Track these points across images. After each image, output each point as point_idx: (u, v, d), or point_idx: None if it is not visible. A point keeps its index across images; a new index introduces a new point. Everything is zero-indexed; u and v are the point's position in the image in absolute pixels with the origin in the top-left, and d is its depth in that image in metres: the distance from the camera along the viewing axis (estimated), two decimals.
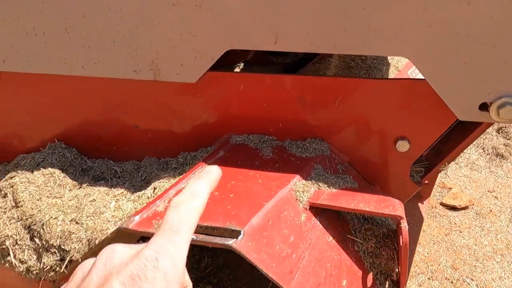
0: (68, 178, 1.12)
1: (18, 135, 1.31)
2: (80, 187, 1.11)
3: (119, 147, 1.26)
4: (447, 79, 0.92)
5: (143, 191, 1.03)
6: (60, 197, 1.03)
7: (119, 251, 0.43)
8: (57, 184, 1.07)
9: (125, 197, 1.05)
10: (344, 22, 0.90)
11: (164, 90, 1.13)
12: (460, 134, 1.12)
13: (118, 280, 0.40)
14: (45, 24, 1.05)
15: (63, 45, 1.07)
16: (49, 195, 1.02)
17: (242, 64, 1.93)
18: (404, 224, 0.88)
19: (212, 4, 0.95)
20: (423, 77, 0.95)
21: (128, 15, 0.99)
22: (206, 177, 0.53)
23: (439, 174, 2.20)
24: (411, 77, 1.78)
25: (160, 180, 1.05)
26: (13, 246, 0.93)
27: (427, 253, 2.05)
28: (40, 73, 1.14)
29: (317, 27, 0.92)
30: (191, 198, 0.48)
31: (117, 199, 1.02)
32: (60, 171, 1.12)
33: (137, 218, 0.82)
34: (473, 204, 2.40)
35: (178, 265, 0.43)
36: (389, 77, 1.75)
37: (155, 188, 1.02)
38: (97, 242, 0.87)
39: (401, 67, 1.83)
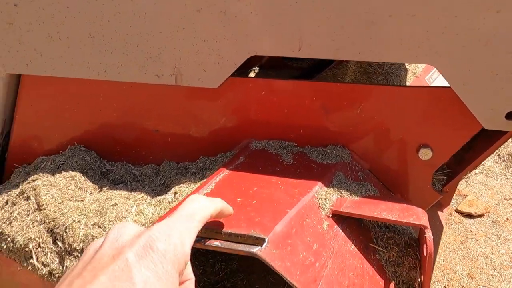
0: (89, 181, 1.13)
1: (38, 137, 1.32)
2: (101, 190, 1.11)
3: (138, 150, 1.26)
4: (474, 88, 0.91)
5: (163, 196, 1.04)
6: (82, 201, 1.03)
7: (131, 226, 0.45)
8: (78, 187, 1.08)
9: (146, 201, 1.05)
10: (370, 30, 0.90)
11: (185, 95, 1.13)
12: (483, 142, 1.10)
13: (131, 251, 0.41)
14: (70, 28, 1.06)
15: (87, 49, 1.08)
16: (71, 198, 1.03)
17: (257, 68, 1.93)
18: (429, 234, 0.87)
19: (236, 11, 0.95)
20: (447, 84, 0.94)
21: (152, 20, 1.00)
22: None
23: None
24: (430, 84, 1.76)
25: (181, 185, 1.05)
26: (36, 249, 0.93)
27: (443, 261, 2.02)
28: (62, 76, 1.15)
29: (342, 34, 0.91)
30: (208, 199, 0.54)
31: (137, 203, 1.02)
32: (81, 174, 1.13)
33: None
34: (489, 212, 2.36)
35: (185, 247, 0.44)
36: (407, 82, 1.73)
37: (175, 193, 1.02)
38: None
39: (418, 72, 1.81)
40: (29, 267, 0.95)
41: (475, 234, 2.20)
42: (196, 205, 0.49)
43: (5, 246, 0.99)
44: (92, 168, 1.21)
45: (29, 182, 1.06)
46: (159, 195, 1.08)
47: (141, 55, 1.05)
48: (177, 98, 1.14)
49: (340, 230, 0.93)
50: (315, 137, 1.11)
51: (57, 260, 0.92)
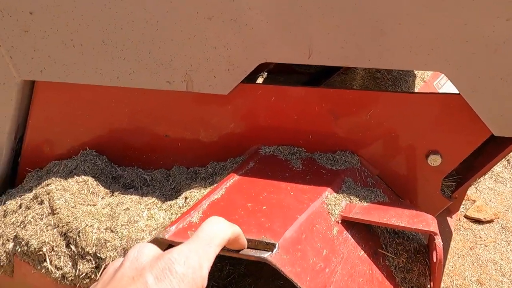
0: (100, 186, 1.14)
1: (51, 142, 1.34)
2: (112, 195, 1.13)
3: (149, 155, 1.28)
4: (483, 95, 0.91)
5: (174, 201, 1.05)
6: (94, 205, 1.05)
7: (150, 247, 0.46)
8: (90, 192, 1.09)
9: (156, 206, 1.06)
10: (379, 37, 0.90)
11: (195, 101, 1.14)
12: (493, 149, 1.10)
13: (151, 274, 0.42)
14: (83, 35, 1.08)
15: (99, 56, 1.10)
16: (83, 203, 1.05)
17: (265, 73, 1.94)
18: (439, 241, 0.87)
19: (247, 18, 0.96)
20: (455, 90, 0.95)
21: (164, 28, 1.02)
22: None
23: None
24: (439, 89, 1.76)
25: (191, 190, 1.07)
26: (50, 252, 0.95)
27: (452, 267, 2.01)
28: (75, 83, 1.17)
29: (352, 41, 0.92)
30: (227, 223, 0.53)
31: (148, 208, 1.04)
32: (93, 179, 1.15)
33: (173, 228, 0.83)
34: (498, 218, 2.35)
35: (203, 271, 0.45)
36: (415, 88, 1.74)
37: (186, 198, 1.04)
38: None
39: (427, 78, 1.81)
40: (43, 270, 0.96)
41: (484, 240, 2.18)
42: (216, 228, 0.50)
43: (19, 249, 1.00)
44: (104, 172, 1.23)
45: (42, 187, 1.08)
46: (169, 200, 1.09)
47: (153, 62, 1.07)
48: (187, 104, 1.16)
49: (350, 236, 0.93)
50: (324, 143, 1.12)
51: (70, 263, 0.94)
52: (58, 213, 0.98)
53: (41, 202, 1.03)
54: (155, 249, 0.46)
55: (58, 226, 0.97)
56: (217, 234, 0.49)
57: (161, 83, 1.09)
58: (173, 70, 1.07)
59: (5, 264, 1.08)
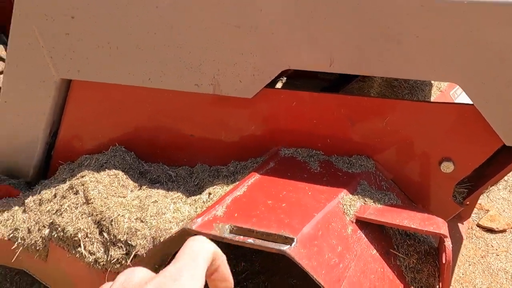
0: (129, 179, 1.22)
1: (82, 137, 1.43)
2: (140, 188, 1.21)
3: (174, 153, 1.36)
4: (496, 105, 0.96)
5: (198, 196, 1.12)
6: (124, 197, 1.13)
7: (139, 272, 0.45)
8: (120, 185, 1.17)
9: (181, 200, 1.14)
10: (398, 48, 0.96)
11: (220, 103, 1.22)
12: (505, 158, 1.14)
13: None
14: (119, 39, 1.17)
15: (133, 59, 1.18)
16: (114, 194, 1.13)
17: (285, 78, 2.00)
18: (448, 243, 0.92)
19: (272, 28, 1.03)
20: (471, 102, 0.99)
21: (195, 35, 1.09)
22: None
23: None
24: (455, 99, 1.80)
25: (214, 187, 1.14)
26: (84, 238, 1.03)
27: (462, 274, 2.03)
28: (109, 83, 1.25)
29: (371, 52, 0.98)
30: (208, 240, 0.50)
31: (174, 202, 1.11)
32: (123, 173, 1.23)
33: (199, 220, 0.90)
34: (511, 228, 2.35)
35: (198, 284, 0.43)
36: (432, 97, 1.78)
37: (209, 194, 1.11)
38: (161, 240, 0.96)
39: (443, 87, 1.85)
40: (77, 254, 1.04)
41: (496, 249, 2.20)
42: (200, 245, 0.48)
43: (55, 235, 1.09)
44: (132, 167, 1.31)
45: (78, 178, 1.16)
46: (193, 195, 1.16)
47: (183, 65, 1.14)
48: (212, 105, 1.23)
49: (363, 235, 0.99)
50: (341, 147, 1.17)
51: (102, 249, 1.02)
52: (92, 203, 1.06)
53: (76, 192, 1.12)
54: (145, 273, 0.44)
55: (92, 215, 1.05)
56: (202, 249, 0.48)
57: (189, 86, 1.17)
58: (202, 74, 1.14)
59: (40, 248, 1.16)
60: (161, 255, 1.01)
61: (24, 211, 1.30)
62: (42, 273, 1.26)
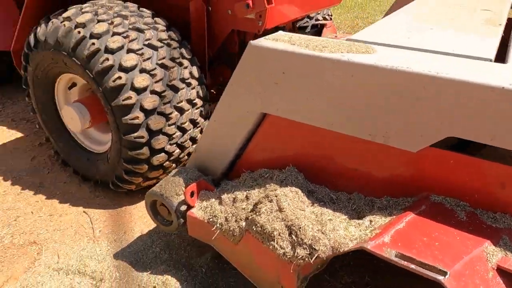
0: (305, 197, 1.61)
1: (264, 155, 1.87)
2: (312, 205, 1.59)
3: (337, 180, 1.71)
4: None
5: (361, 221, 1.46)
6: (303, 210, 1.52)
7: None
8: (300, 200, 1.57)
9: (346, 221, 1.48)
10: None
11: (388, 151, 1.53)
12: None
13: None
14: (317, 96, 1.56)
15: (324, 110, 1.56)
16: (297, 207, 1.52)
17: None
18: None
19: (441, 99, 1.31)
20: None
21: (384, 101, 1.43)
22: None
23: None
24: None
25: (374, 216, 1.46)
26: (278, 236, 1.44)
27: None
28: (298, 121, 1.66)
29: None
30: None
31: (341, 222, 1.46)
32: (300, 190, 1.62)
33: (372, 242, 1.24)
34: None
35: None
36: None
37: (371, 221, 1.43)
38: (341, 251, 1.32)
39: None
40: (270, 246, 1.46)
41: None
42: None
43: (254, 229, 1.53)
44: (302, 186, 1.70)
45: (272, 191, 1.59)
46: (354, 219, 1.50)
47: (363, 119, 1.49)
48: (379, 151, 1.55)
49: (502, 282, 1.22)
50: (487, 203, 1.40)
51: (290, 247, 1.42)
52: (284, 211, 1.47)
53: (271, 201, 1.54)
54: None
55: (284, 220, 1.46)
56: None
57: (365, 134, 1.51)
58: (378, 127, 1.47)
59: (237, 235, 1.62)
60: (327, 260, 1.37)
61: (220, 203, 1.78)
62: (230, 252, 1.73)
